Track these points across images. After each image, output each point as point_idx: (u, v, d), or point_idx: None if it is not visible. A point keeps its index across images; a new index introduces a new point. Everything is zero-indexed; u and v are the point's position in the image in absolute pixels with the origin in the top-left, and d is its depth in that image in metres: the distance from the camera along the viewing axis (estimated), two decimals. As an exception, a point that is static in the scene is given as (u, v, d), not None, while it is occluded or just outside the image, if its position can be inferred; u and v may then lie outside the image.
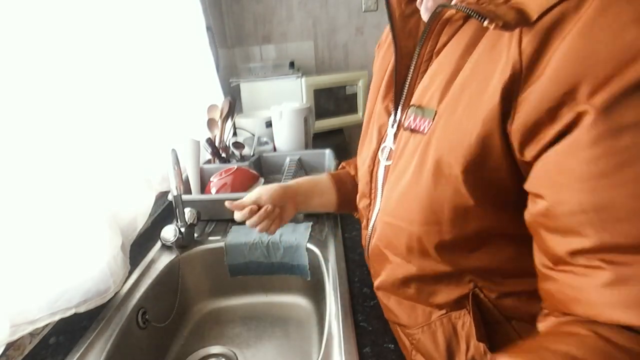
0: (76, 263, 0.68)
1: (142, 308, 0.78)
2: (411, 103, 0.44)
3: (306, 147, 1.47)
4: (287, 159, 1.34)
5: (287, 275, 0.95)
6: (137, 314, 0.76)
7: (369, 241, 0.57)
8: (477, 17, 0.30)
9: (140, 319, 0.77)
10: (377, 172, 0.53)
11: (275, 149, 1.48)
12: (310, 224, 0.97)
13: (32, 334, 0.66)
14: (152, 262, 0.89)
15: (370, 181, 0.55)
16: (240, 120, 1.55)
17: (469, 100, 0.35)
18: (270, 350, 0.86)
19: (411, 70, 0.45)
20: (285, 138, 1.44)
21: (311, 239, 0.91)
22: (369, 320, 0.66)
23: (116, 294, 0.76)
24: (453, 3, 0.35)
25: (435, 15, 0.39)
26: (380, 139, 0.52)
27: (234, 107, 1.34)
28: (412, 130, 0.43)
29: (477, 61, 0.35)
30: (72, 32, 0.75)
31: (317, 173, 1.35)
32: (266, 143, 1.47)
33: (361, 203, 0.59)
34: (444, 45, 0.41)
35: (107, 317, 0.72)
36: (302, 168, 1.34)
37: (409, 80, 0.46)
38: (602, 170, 0.28)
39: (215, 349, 0.86)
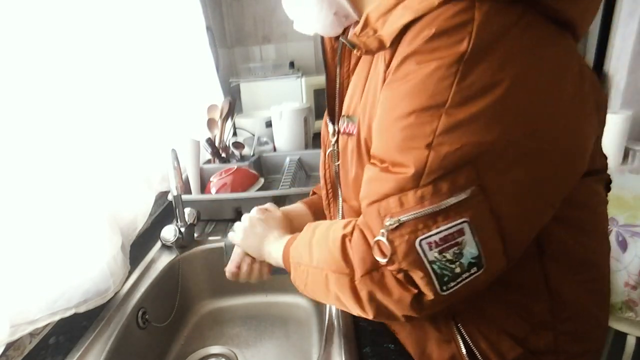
0: (76, 263, 0.68)
1: (142, 308, 0.78)
2: (343, 114, 0.56)
3: (306, 147, 1.47)
4: (287, 159, 1.34)
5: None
6: (137, 314, 0.76)
7: None
8: (350, 47, 0.45)
9: (140, 319, 0.77)
10: (330, 174, 0.63)
11: (275, 149, 1.48)
12: (310, 224, 0.97)
13: (32, 334, 0.66)
14: (152, 262, 0.89)
15: (326, 184, 0.65)
16: (240, 120, 1.55)
17: (371, 98, 0.48)
18: (270, 350, 0.86)
19: (337, 88, 0.59)
20: (285, 138, 1.44)
21: (311, 239, 0.91)
22: (369, 320, 0.66)
23: (116, 294, 0.76)
24: (349, 37, 0.47)
25: (341, 45, 0.54)
26: (325, 148, 0.64)
27: (234, 107, 1.34)
28: (348, 134, 0.54)
29: (372, 74, 0.49)
30: (72, 32, 0.75)
31: (317, 172, 1.36)
32: (266, 143, 1.47)
33: (325, 209, 0.69)
34: (355, 65, 0.55)
35: (107, 317, 0.72)
36: (302, 168, 1.34)
37: (337, 96, 0.59)
38: (382, 101, 0.43)
39: (215, 349, 0.86)
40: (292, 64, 1.84)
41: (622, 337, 1.06)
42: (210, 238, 0.98)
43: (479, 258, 0.39)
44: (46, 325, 0.68)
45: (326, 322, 0.67)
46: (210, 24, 1.67)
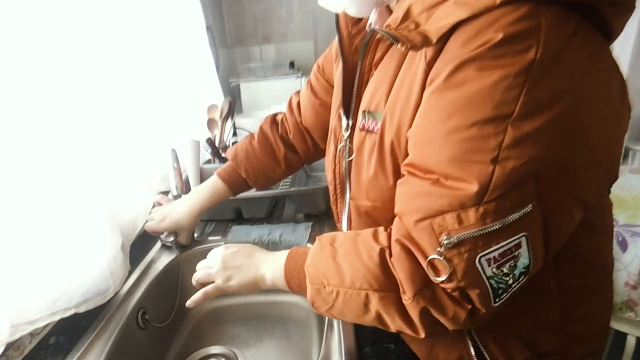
0: (76, 263, 0.68)
1: (142, 308, 0.78)
2: (362, 109, 0.52)
3: (306, 147, 1.47)
4: (287, 159, 1.33)
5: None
6: (137, 314, 0.76)
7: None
8: (393, 40, 0.40)
9: (140, 319, 0.77)
10: (340, 170, 0.60)
11: (275, 149, 1.47)
12: (310, 224, 0.97)
13: (32, 334, 0.66)
14: (152, 262, 0.89)
15: (335, 179, 0.63)
16: (240, 120, 1.55)
17: (403, 97, 0.45)
18: (270, 350, 0.86)
19: (356, 80, 0.55)
20: (285, 138, 1.43)
21: (311, 239, 0.91)
22: (369, 320, 0.66)
23: (116, 294, 0.76)
24: (382, 28, 0.44)
25: (370, 35, 0.49)
26: (337, 142, 0.61)
27: (234, 107, 1.34)
28: (367, 131, 0.51)
29: (404, 71, 0.46)
30: (72, 32, 0.75)
31: (317, 172, 1.36)
32: (266, 143, 1.47)
33: (332, 205, 0.66)
34: (380, 58, 0.51)
35: (107, 317, 0.72)
36: (302, 168, 1.34)
37: (355, 89, 0.55)
38: (429, 107, 0.40)
39: (215, 349, 0.86)
40: (292, 64, 1.84)
41: (622, 337, 1.06)
42: (210, 238, 0.98)
43: (529, 267, 0.39)
44: (46, 325, 0.68)
45: (326, 322, 0.67)
46: (210, 24, 1.67)
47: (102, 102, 0.84)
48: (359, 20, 0.57)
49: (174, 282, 0.90)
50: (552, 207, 0.38)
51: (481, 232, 0.36)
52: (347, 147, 0.57)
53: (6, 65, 0.60)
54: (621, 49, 1.40)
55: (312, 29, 2.00)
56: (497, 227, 0.36)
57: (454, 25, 0.37)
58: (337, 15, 0.58)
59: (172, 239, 0.92)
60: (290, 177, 1.19)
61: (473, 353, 0.49)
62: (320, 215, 1.03)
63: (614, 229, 1.03)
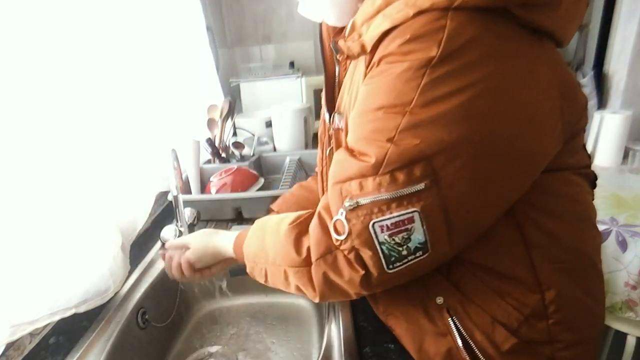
0: (76, 263, 0.68)
1: (142, 308, 0.78)
2: (335, 111, 0.59)
3: (306, 147, 1.47)
4: (287, 159, 1.34)
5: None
6: (137, 314, 0.76)
7: None
8: (335, 51, 0.50)
9: (140, 319, 0.77)
10: (327, 172, 0.63)
11: (275, 149, 1.48)
12: (310, 224, 0.97)
13: (32, 334, 0.66)
14: (152, 262, 0.89)
15: (322, 181, 0.67)
16: (240, 120, 1.55)
17: (354, 95, 0.51)
18: (270, 350, 0.86)
19: (336, 87, 0.61)
20: (286, 138, 1.44)
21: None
22: (369, 320, 0.66)
23: (116, 294, 0.76)
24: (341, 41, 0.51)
25: (334, 46, 0.55)
26: (323, 145, 0.66)
27: (234, 107, 1.34)
28: (340, 130, 0.57)
29: (356, 74, 0.52)
30: (72, 33, 0.75)
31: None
32: (266, 143, 1.47)
33: None
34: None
35: (107, 317, 0.72)
36: (302, 168, 1.34)
37: (336, 95, 0.61)
38: (361, 92, 0.47)
39: (215, 349, 0.86)
40: (292, 64, 1.84)
41: (622, 337, 1.06)
42: (210, 238, 0.97)
43: (425, 244, 0.43)
44: (46, 325, 0.68)
45: (326, 322, 0.67)
46: (210, 24, 1.67)
47: (103, 103, 0.84)
48: (340, 31, 0.61)
49: (174, 282, 0.90)
50: (450, 192, 0.41)
51: (376, 199, 0.42)
52: (330, 149, 0.62)
53: (8, 66, 0.60)
54: (621, 49, 1.40)
55: (312, 29, 2.00)
56: (389, 197, 0.41)
57: (382, 34, 0.43)
58: (320, 29, 0.63)
59: (172, 239, 0.91)
60: (290, 177, 1.19)
61: (460, 345, 0.50)
62: (320, 215, 1.03)
63: (614, 229, 1.03)
